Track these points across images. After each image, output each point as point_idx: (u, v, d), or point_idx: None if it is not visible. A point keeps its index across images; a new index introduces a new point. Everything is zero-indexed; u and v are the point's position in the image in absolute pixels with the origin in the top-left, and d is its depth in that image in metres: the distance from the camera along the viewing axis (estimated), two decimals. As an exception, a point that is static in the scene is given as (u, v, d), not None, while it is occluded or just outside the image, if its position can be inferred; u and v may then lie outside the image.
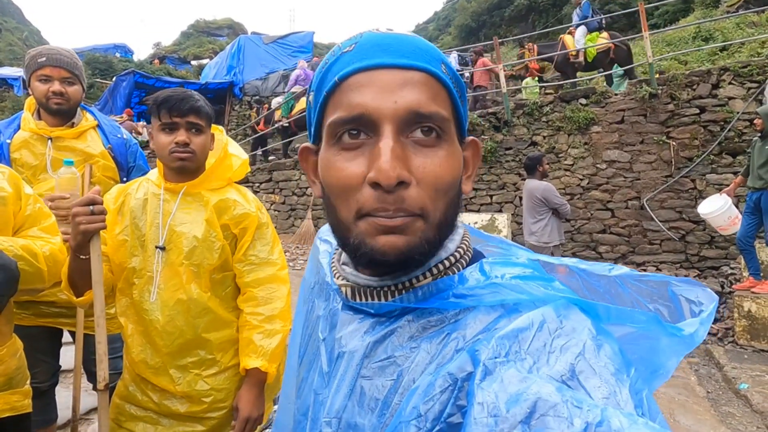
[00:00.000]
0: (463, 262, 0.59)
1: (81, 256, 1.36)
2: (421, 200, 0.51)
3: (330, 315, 0.64)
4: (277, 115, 10.77)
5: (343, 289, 0.61)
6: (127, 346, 1.53)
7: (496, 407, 0.40)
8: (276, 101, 11.36)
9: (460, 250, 0.59)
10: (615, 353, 0.46)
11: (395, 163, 0.49)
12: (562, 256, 6.33)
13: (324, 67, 0.56)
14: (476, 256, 0.62)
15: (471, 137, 0.61)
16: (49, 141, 2.05)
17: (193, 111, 1.46)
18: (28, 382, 1.53)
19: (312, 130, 0.59)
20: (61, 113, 2.06)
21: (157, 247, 1.48)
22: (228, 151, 1.62)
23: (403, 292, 0.56)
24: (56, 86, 2.00)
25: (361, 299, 0.59)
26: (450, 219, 0.55)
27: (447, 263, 0.57)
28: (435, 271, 0.57)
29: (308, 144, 0.61)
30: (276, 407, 0.78)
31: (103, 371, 1.41)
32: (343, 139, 0.53)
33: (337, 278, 0.63)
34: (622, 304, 0.65)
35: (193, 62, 26.20)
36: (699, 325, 0.56)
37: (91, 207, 1.30)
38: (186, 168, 1.49)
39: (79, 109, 2.15)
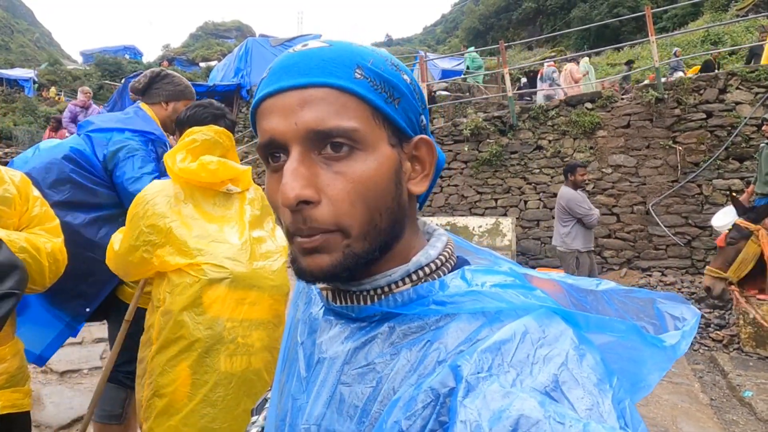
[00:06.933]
0: (445, 269, 0.58)
1: None
2: (334, 216, 0.51)
3: (310, 319, 0.64)
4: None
5: (325, 292, 0.61)
6: None
7: (478, 425, 0.39)
8: None
9: (441, 257, 0.59)
10: (597, 363, 0.46)
11: (294, 183, 0.50)
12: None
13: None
14: (460, 264, 0.61)
15: (420, 135, 0.58)
16: None
17: None
18: (29, 382, 1.58)
19: None
20: None
21: None
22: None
23: (383, 297, 0.56)
24: None
25: (341, 302, 0.59)
26: (386, 226, 0.54)
27: (427, 270, 0.57)
28: (414, 277, 0.56)
29: None
30: (254, 418, 0.77)
31: None
32: (270, 162, 0.55)
33: None
34: None
35: (202, 64, 26.34)
36: (681, 338, 0.56)
37: None
38: None
39: None
